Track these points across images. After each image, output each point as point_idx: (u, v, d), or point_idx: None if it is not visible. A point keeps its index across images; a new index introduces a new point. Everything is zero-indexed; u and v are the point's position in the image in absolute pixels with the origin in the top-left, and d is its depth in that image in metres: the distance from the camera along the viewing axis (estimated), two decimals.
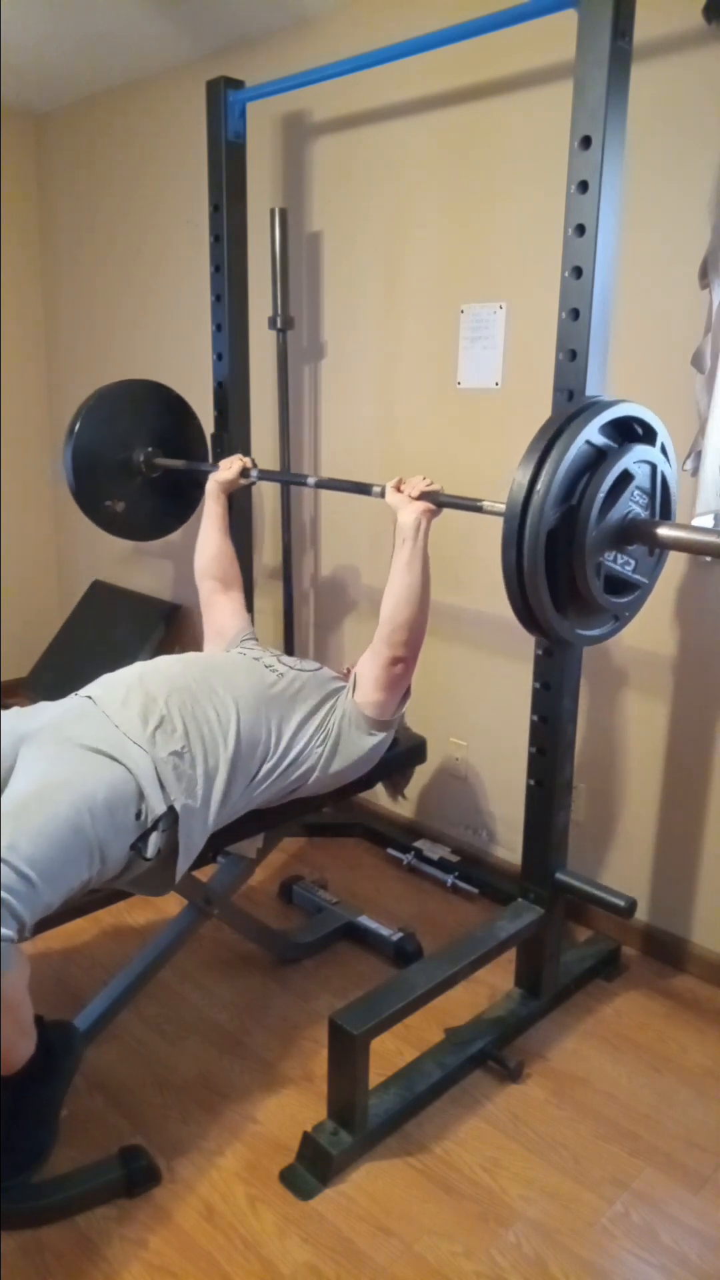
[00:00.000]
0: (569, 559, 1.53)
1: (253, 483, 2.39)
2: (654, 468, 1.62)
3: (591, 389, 1.69)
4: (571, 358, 1.69)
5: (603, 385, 1.72)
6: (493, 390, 2.33)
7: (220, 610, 2.22)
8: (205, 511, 2.31)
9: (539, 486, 1.47)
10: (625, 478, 1.55)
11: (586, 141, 1.60)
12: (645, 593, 1.73)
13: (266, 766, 1.80)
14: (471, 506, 1.79)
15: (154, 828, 1.57)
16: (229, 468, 2.31)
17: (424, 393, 2.48)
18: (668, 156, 1.93)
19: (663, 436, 1.64)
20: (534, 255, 2.18)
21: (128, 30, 2.62)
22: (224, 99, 2.33)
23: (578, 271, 1.65)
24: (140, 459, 2.51)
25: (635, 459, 1.56)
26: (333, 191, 2.58)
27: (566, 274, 1.67)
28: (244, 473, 2.32)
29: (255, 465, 2.34)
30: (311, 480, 2.20)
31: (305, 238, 2.65)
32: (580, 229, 1.64)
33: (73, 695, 1.80)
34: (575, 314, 1.67)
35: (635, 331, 2.01)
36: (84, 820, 1.46)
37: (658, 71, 1.90)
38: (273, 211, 2.47)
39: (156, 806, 1.58)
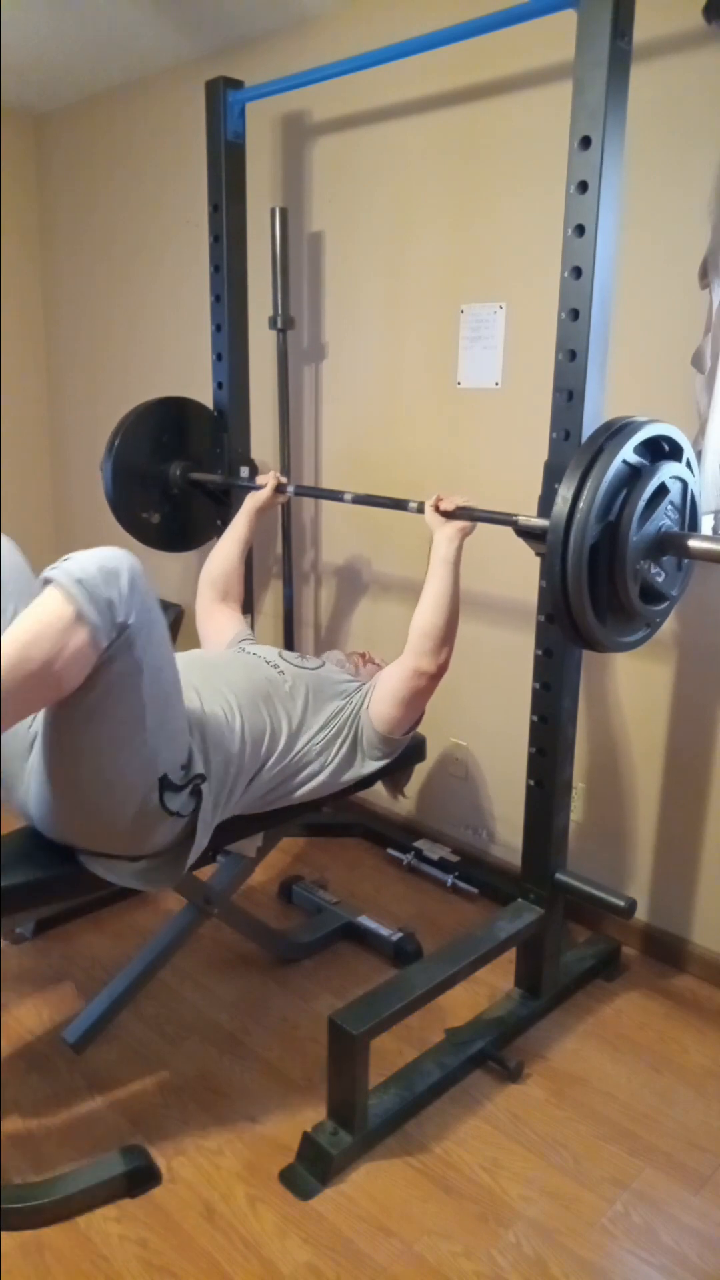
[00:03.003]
0: (610, 568, 1.60)
1: (288, 497, 2.42)
2: (684, 484, 1.68)
3: (591, 389, 1.69)
4: (571, 358, 1.69)
5: (602, 386, 1.72)
6: (493, 390, 2.33)
7: (220, 617, 2.23)
8: (232, 527, 2.33)
9: (580, 505, 1.53)
10: (661, 491, 1.61)
11: (586, 142, 1.60)
12: (673, 604, 1.79)
13: (269, 762, 1.79)
14: (506, 521, 1.80)
15: (186, 786, 1.56)
16: (265, 485, 2.33)
17: (424, 392, 2.48)
18: (667, 156, 1.94)
19: (688, 452, 1.69)
20: (534, 255, 2.18)
21: (128, 30, 2.62)
22: (223, 99, 2.33)
23: (577, 272, 1.65)
24: (175, 473, 2.53)
25: (669, 474, 1.62)
26: (333, 191, 2.58)
27: (566, 274, 1.67)
28: (280, 488, 2.34)
29: (289, 482, 2.37)
30: (348, 496, 2.19)
31: (305, 238, 2.65)
32: (580, 229, 1.64)
33: None
34: (575, 314, 1.67)
35: (635, 331, 2.01)
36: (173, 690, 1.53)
37: (658, 72, 1.90)
38: (273, 211, 2.47)
39: (198, 766, 1.59)
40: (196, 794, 1.60)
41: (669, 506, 1.65)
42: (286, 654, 2.02)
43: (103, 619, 1.35)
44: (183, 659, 1.91)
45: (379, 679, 1.95)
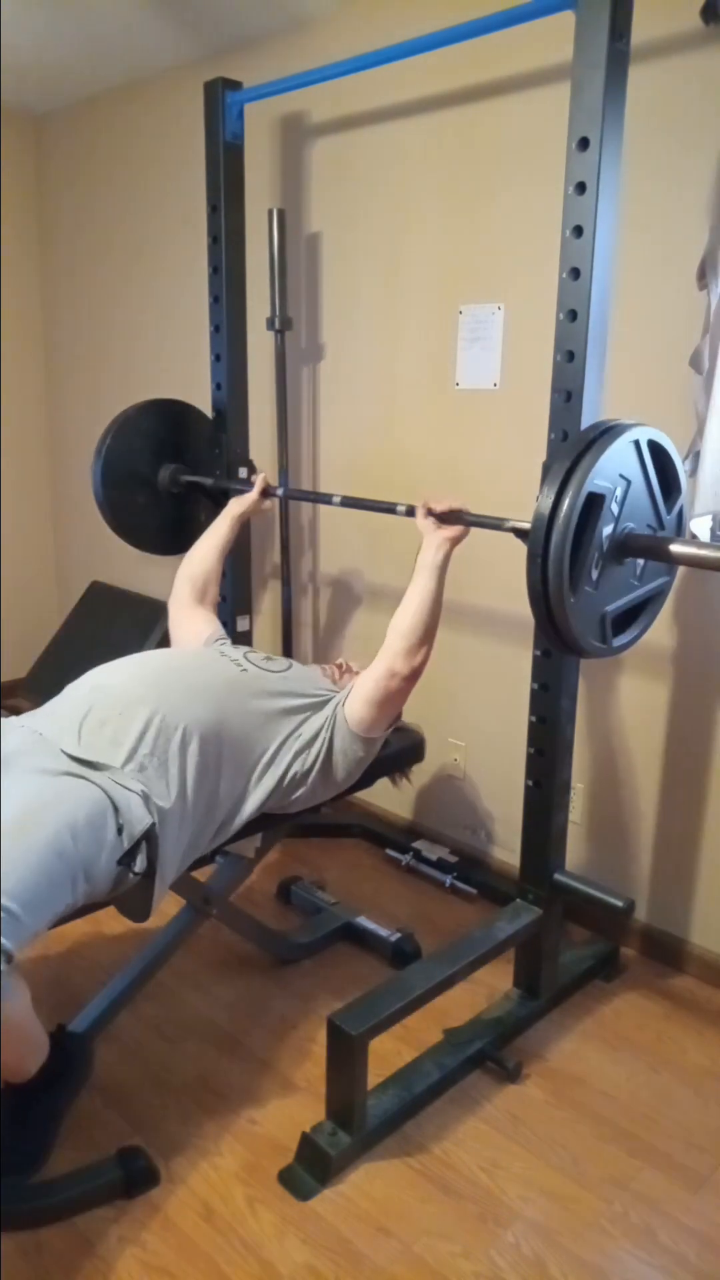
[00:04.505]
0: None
1: (277, 497, 2.40)
2: (628, 483, 1.59)
3: (589, 390, 1.69)
4: (569, 359, 1.69)
5: (600, 386, 1.72)
6: (491, 391, 2.33)
7: (197, 619, 2.19)
8: (213, 529, 2.29)
9: (560, 517, 1.49)
10: (594, 501, 1.52)
11: (584, 143, 1.60)
12: (669, 585, 1.77)
13: (242, 769, 1.76)
14: (496, 525, 1.79)
15: (140, 842, 1.53)
16: (258, 484, 2.30)
17: (422, 393, 2.48)
18: (666, 158, 1.94)
19: (634, 435, 1.57)
20: (532, 256, 2.18)
21: (128, 31, 2.62)
22: (222, 100, 2.33)
23: (575, 273, 1.65)
24: (165, 476, 2.51)
25: (599, 481, 1.51)
26: (331, 192, 2.58)
27: (564, 275, 1.67)
28: (266, 492, 2.31)
29: (285, 485, 2.34)
30: (337, 499, 2.18)
31: (304, 239, 2.65)
32: (578, 230, 1.64)
33: (21, 726, 1.72)
34: (573, 315, 1.67)
35: (633, 332, 2.01)
36: (66, 842, 1.43)
37: (656, 73, 1.90)
38: (271, 212, 2.47)
39: (140, 821, 1.54)
40: (148, 840, 1.57)
41: (613, 507, 1.56)
42: (253, 654, 1.98)
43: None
44: (137, 665, 1.86)
45: (357, 681, 1.92)
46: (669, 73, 1.90)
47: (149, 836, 1.55)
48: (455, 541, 1.86)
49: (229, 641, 2.14)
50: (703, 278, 1.89)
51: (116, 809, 1.53)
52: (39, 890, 1.38)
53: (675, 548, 1.59)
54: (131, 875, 1.54)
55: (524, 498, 1.81)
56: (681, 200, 1.93)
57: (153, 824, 1.56)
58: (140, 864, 1.54)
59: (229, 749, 1.75)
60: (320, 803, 1.95)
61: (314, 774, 1.85)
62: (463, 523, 1.86)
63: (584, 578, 1.54)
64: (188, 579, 2.25)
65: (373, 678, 1.85)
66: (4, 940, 1.31)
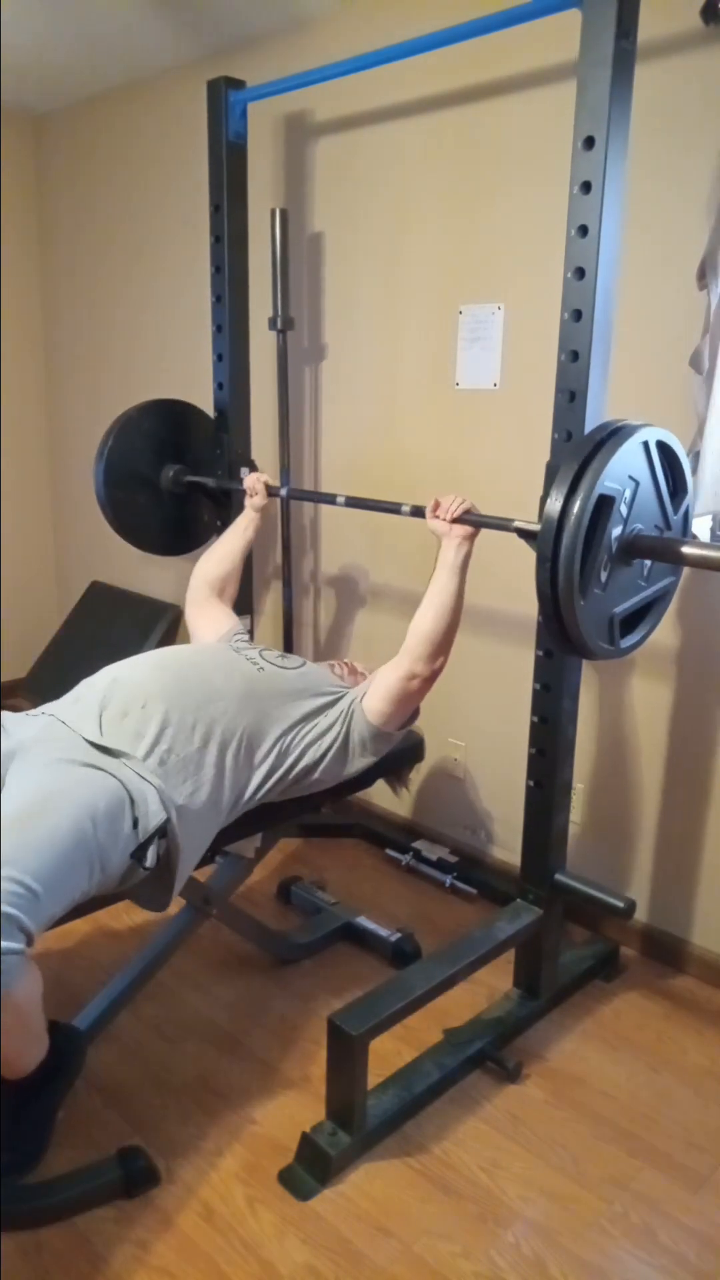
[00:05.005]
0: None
1: (280, 497, 2.40)
2: (636, 484, 1.59)
3: (594, 390, 1.69)
4: (574, 359, 1.69)
5: (604, 386, 1.72)
6: (491, 391, 2.33)
7: (215, 613, 2.22)
8: (235, 530, 2.30)
9: (571, 517, 1.49)
10: (605, 503, 1.52)
11: (590, 142, 1.60)
12: (674, 585, 1.77)
13: (254, 761, 1.78)
14: (502, 526, 1.79)
15: (153, 837, 1.55)
16: (256, 488, 2.30)
17: (422, 393, 2.48)
18: (666, 157, 1.94)
19: (643, 436, 1.57)
20: (532, 256, 2.18)
21: (128, 31, 2.62)
22: (224, 99, 2.33)
23: (580, 273, 1.65)
24: (167, 476, 2.51)
25: (609, 483, 1.51)
26: (333, 192, 2.58)
27: (569, 275, 1.67)
28: (270, 490, 2.31)
29: (286, 485, 2.36)
30: (341, 499, 2.18)
31: (306, 239, 2.65)
32: (583, 230, 1.64)
33: (41, 713, 1.75)
34: (578, 315, 1.67)
35: (633, 332, 2.01)
36: (86, 829, 1.44)
37: (656, 73, 1.90)
38: (273, 212, 2.47)
39: (155, 815, 1.55)
40: (163, 833, 1.58)
41: (622, 508, 1.57)
42: (268, 653, 2.01)
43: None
44: (157, 660, 1.88)
45: (375, 675, 1.94)
46: (669, 73, 1.90)
47: (162, 832, 1.56)
48: (472, 536, 1.87)
49: (246, 638, 2.15)
50: (703, 278, 1.89)
51: (133, 802, 1.54)
52: (59, 873, 1.39)
53: (687, 549, 1.59)
54: (141, 870, 1.54)
55: (524, 498, 1.82)
56: (682, 200, 1.93)
57: (167, 820, 1.56)
58: (150, 859, 1.55)
59: (245, 746, 1.77)
60: (326, 789, 1.95)
61: (324, 767, 1.87)
62: (469, 523, 1.86)
63: (593, 580, 1.55)
64: (205, 580, 2.26)
65: (393, 677, 1.87)
66: (24, 918, 1.31)
